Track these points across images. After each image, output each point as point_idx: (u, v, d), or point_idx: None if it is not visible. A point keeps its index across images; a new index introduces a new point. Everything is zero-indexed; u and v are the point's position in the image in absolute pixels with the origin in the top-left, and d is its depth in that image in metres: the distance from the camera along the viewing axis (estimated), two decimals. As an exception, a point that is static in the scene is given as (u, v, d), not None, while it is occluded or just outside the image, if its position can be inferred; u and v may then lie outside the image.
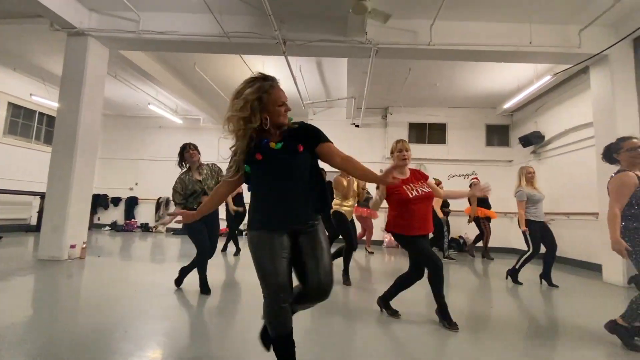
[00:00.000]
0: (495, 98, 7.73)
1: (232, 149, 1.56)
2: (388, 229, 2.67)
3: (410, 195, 2.51)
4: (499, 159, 8.40)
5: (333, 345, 2.09)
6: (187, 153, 3.23)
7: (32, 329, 2.13)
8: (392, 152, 2.73)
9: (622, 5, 4.25)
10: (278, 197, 1.50)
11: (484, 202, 6.42)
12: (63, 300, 2.92)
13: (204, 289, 3.15)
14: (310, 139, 1.54)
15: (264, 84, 1.49)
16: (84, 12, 4.87)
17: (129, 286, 3.36)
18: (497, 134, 8.59)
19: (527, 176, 4.18)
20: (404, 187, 2.54)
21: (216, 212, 3.19)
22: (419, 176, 2.68)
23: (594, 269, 5.34)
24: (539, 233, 4.04)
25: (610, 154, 2.41)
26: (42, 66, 7.06)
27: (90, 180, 5.10)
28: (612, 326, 2.31)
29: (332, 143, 1.56)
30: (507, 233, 8.00)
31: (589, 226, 5.53)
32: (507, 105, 7.41)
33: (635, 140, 2.28)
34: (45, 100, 7.78)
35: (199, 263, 3.17)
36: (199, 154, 3.30)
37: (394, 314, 2.69)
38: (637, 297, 2.20)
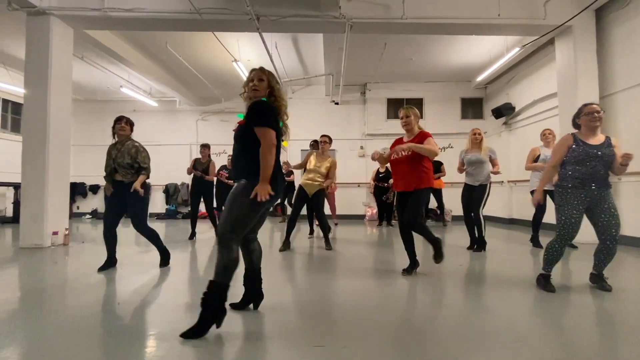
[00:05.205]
0: (470, 71, 7.91)
1: None
2: None
3: (392, 158, 2.96)
4: (473, 131, 8.69)
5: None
6: (118, 125, 3.18)
7: (23, 312, 2.21)
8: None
9: (585, -24, 4.42)
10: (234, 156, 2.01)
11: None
12: (51, 283, 2.96)
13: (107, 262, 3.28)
14: (248, 117, 1.88)
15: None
16: (43, -11, 4.62)
17: (118, 267, 3.43)
18: (472, 107, 8.86)
19: (472, 138, 4.16)
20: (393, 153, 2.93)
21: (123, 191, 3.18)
22: (419, 139, 2.89)
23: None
24: (464, 195, 4.22)
25: (574, 119, 2.60)
26: (2, 50, 6.66)
27: (66, 167, 5.01)
28: (537, 279, 2.63)
29: (266, 128, 1.80)
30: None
31: (553, 190, 5.92)
32: (480, 78, 7.62)
33: (594, 105, 2.48)
34: (9, 86, 7.40)
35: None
36: (131, 130, 3.27)
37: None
38: (546, 247, 2.56)
